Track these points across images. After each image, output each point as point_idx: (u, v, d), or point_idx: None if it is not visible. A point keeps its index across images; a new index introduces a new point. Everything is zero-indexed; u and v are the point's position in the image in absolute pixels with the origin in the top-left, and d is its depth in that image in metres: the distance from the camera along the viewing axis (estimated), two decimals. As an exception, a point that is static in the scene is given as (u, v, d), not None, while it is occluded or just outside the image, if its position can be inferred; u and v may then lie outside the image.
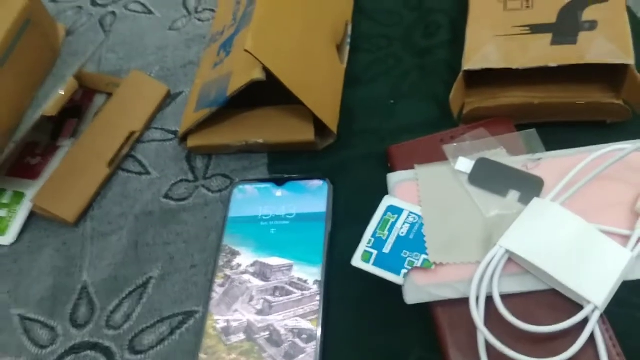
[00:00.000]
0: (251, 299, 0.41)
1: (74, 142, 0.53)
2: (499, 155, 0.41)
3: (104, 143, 0.52)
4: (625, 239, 0.36)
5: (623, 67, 0.41)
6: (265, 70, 0.42)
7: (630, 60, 0.41)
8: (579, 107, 0.43)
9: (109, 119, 0.53)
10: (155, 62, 0.58)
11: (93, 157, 0.51)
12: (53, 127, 0.55)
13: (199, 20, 0.61)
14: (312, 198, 0.45)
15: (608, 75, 0.43)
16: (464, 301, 0.36)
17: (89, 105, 0.56)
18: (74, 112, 0.56)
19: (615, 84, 0.43)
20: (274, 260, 0.42)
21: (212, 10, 0.61)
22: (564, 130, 0.43)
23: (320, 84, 0.47)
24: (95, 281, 0.45)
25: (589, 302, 0.34)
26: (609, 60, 0.41)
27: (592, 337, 0.34)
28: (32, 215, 0.50)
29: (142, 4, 0.64)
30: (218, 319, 0.40)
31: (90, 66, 0.59)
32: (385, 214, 0.40)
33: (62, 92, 0.49)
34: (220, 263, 0.43)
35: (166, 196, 0.49)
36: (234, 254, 0.43)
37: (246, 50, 0.41)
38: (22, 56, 0.53)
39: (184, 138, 0.50)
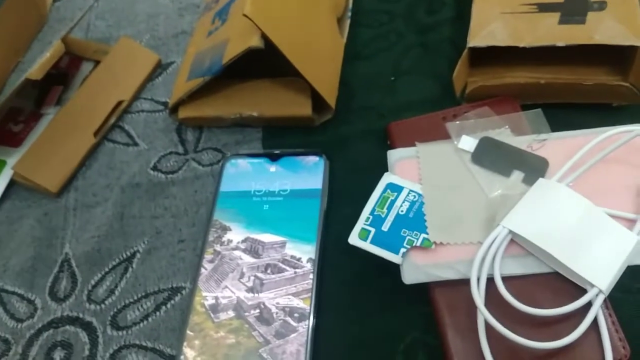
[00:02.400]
0: (242, 275, 0.39)
1: (58, 110, 0.51)
2: (503, 134, 0.40)
3: (90, 112, 0.50)
4: (630, 222, 0.35)
5: (632, 49, 0.40)
6: (264, 37, 0.41)
7: (639, 42, 0.40)
8: (585, 89, 0.42)
9: (96, 87, 0.51)
10: (145, 30, 0.56)
11: (78, 126, 0.49)
12: (37, 93, 0.53)
13: (193, -11, 0.59)
14: (308, 174, 0.44)
15: (616, 56, 0.42)
16: (464, 282, 0.34)
17: (76, 72, 0.54)
18: (60, 79, 0.53)
19: (623, 65, 0.42)
20: (267, 237, 0.41)
21: (207, -20, 0.59)
22: (569, 112, 0.42)
23: (319, 56, 0.46)
24: (77, 254, 0.43)
25: (592, 286, 0.33)
26: (617, 42, 0.40)
27: (594, 321, 0.33)
28: (12, 184, 0.48)
29: (134, -29, 0.62)
30: (206, 296, 0.39)
31: (78, 33, 0.57)
32: (384, 191, 0.39)
33: (47, 55, 0.47)
34: (210, 238, 0.41)
35: (154, 168, 0.47)
36: (225, 229, 0.42)
37: (245, 15, 0.39)
38: (7, 21, 0.50)
39: (174, 109, 0.48)
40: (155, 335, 0.39)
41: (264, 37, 0.41)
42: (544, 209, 0.35)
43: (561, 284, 0.34)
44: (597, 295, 0.33)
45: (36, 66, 0.47)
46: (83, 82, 0.52)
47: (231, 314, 0.38)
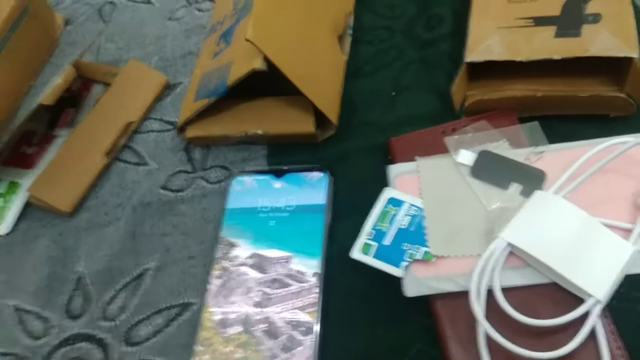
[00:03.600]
0: (249, 291, 0.40)
1: (70, 132, 0.52)
2: (501, 147, 0.41)
3: (101, 133, 0.51)
4: (627, 232, 0.36)
5: (627, 61, 0.41)
6: (266, 60, 0.42)
7: (634, 54, 0.40)
8: (582, 100, 0.42)
9: (106, 108, 0.52)
10: (154, 52, 0.57)
11: (90, 147, 0.50)
12: (50, 116, 0.54)
13: (199, 10, 0.60)
14: (312, 190, 0.45)
15: (612, 68, 0.42)
16: (464, 294, 0.35)
17: (87, 95, 0.55)
18: (72, 101, 0.55)
19: (619, 77, 0.42)
20: (273, 252, 0.42)
21: (212, 0, 0.60)
22: (566, 124, 0.43)
23: (321, 74, 0.47)
24: (91, 272, 0.45)
25: (590, 296, 0.34)
26: (612, 54, 0.41)
27: (592, 331, 0.33)
28: (27, 205, 0.49)
29: (141, -6, 0.64)
30: (214, 311, 0.40)
31: (88, 56, 0.59)
32: (386, 206, 0.40)
33: (60, 80, 0.49)
34: (218, 255, 0.43)
35: (164, 187, 0.49)
36: (232, 245, 0.43)
37: (247, 40, 0.40)
38: (19, 45, 0.52)
39: (182, 128, 0.50)
40: (166, 350, 0.40)
41: (266, 59, 0.42)
42: (541, 221, 0.36)
43: (560, 294, 0.35)
44: (595, 304, 0.33)
45: (49, 91, 0.49)
46: (94, 104, 0.54)
47: (239, 328, 0.39)
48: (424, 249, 0.38)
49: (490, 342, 0.34)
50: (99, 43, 0.60)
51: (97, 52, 0.60)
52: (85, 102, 0.55)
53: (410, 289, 0.36)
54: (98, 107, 0.53)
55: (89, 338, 0.42)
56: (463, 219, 0.38)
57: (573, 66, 0.42)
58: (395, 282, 0.37)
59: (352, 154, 0.47)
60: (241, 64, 0.44)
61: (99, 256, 0.45)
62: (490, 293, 0.35)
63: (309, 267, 0.41)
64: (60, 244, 0.47)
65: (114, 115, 0.52)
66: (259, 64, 0.42)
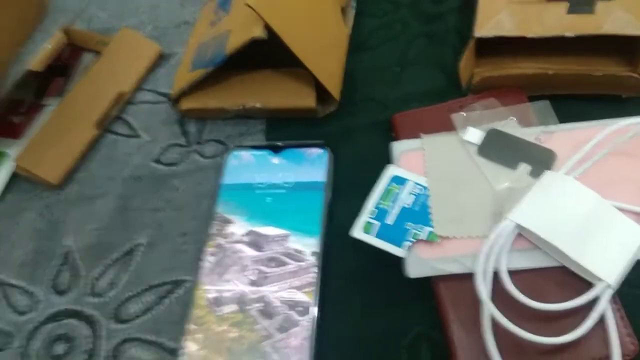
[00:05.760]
0: (244, 269, 0.39)
1: (60, 102, 0.50)
2: (510, 126, 0.39)
3: (91, 103, 0.49)
4: (639, 216, 0.35)
5: (642, 40, 0.40)
6: (267, 28, 0.40)
7: (650, 33, 0.39)
8: (594, 80, 0.41)
9: (97, 78, 0.50)
10: (148, 21, 0.55)
11: (80, 118, 0.48)
12: (38, 85, 0.52)
13: (195, -22, 0.58)
14: (311, 166, 0.43)
15: (625, 47, 0.41)
16: (469, 277, 0.34)
17: (77, 64, 0.53)
18: (61, 70, 0.53)
19: (633, 56, 0.41)
20: (269, 230, 0.40)
21: (210, -30, 0.58)
22: (577, 103, 0.41)
23: (323, 47, 0.45)
24: (79, 246, 0.43)
25: (600, 280, 0.32)
26: (627, 32, 0.39)
27: (602, 316, 0.32)
28: (14, 177, 0.47)
29: (136, -39, 0.61)
30: (209, 289, 0.38)
31: (79, 24, 0.56)
32: (389, 184, 0.38)
33: (49, 46, 0.46)
34: (213, 231, 0.41)
35: (156, 160, 0.47)
36: (227, 222, 0.41)
37: (247, 5, 0.38)
38: (7, 11, 0.50)
39: (177, 100, 0.48)
40: (157, 328, 0.39)
41: (267, 27, 0.40)
42: (551, 202, 0.35)
43: (568, 278, 0.34)
44: (605, 289, 0.32)
45: (37, 57, 0.47)
46: (84, 74, 0.52)
47: (234, 307, 0.37)
48: (429, 229, 0.36)
49: (495, 325, 0.33)
50: (90, 11, 0.58)
51: (89, 20, 0.57)
52: (75, 72, 0.53)
53: (413, 270, 0.35)
54: (89, 76, 0.50)
55: (76, 314, 0.40)
56: (469, 199, 0.37)
57: (585, 44, 0.41)
58: (397, 262, 0.36)
59: (354, 131, 0.45)
60: (240, 32, 0.42)
61: (87, 230, 0.44)
62: (496, 276, 0.34)
63: (307, 245, 0.39)
64: (47, 217, 0.45)
65: (106, 85, 0.50)
66: (259, 32, 0.40)
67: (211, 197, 0.43)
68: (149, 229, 0.43)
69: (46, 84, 0.52)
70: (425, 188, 0.38)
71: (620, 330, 0.32)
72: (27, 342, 0.39)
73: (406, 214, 0.37)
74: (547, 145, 0.38)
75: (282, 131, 0.47)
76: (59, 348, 0.39)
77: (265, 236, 0.40)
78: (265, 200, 0.42)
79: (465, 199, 0.37)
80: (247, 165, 0.44)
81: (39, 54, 0.46)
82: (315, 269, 0.38)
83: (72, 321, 0.40)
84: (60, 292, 0.41)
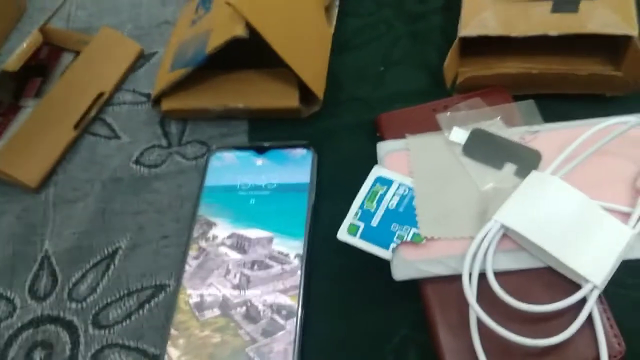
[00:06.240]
0: (227, 272, 0.38)
1: (38, 103, 0.49)
2: (495, 126, 0.39)
3: (70, 104, 0.48)
4: (625, 216, 0.34)
5: (625, 39, 0.39)
6: (249, 27, 0.39)
7: (633, 32, 0.39)
8: (578, 79, 0.41)
9: (76, 78, 0.49)
10: (128, 20, 0.54)
11: (58, 119, 0.47)
12: (16, 86, 0.51)
13: (177, -23, 0.57)
14: (295, 167, 0.42)
15: (609, 46, 0.41)
16: (455, 278, 0.34)
17: (56, 64, 0.52)
18: (39, 70, 0.52)
19: (616, 55, 0.41)
20: (253, 232, 0.40)
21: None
22: (562, 103, 0.41)
23: (306, 46, 0.44)
24: (57, 250, 0.42)
25: (587, 281, 0.32)
26: (611, 31, 0.39)
27: (589, 317, 0.32)
28: (-10, 179, 0.46)
29: (116, -41, 0.60)
30: (191, 293, 0.38)
31: (58, 23, 0.55)
32: (374, 185, 0.38)
33: (24, 46, 0.45)
34: (195, 234, 0.40)
35: (137, 162, 0.46)
36: (210, 224, 0.40)
37: (228, 3, 0.38)
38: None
39: (157, 100, 0.47)
40: (138, 334, 0.38)
41: (249, 26, 0.39)
42: (537, 202, 0.34)
43: (555, 279, 0.33)
44: (591, 290, 0.32)
45: (13, 57, 0.46)
46: (63, 74, 0.50)
47: (217, 312, 0.37)
48: (414, 230, 0.36)
49: (482, 327, 0.32)
50: (69, 9, 0.57)
51: (68, 19, 0.56)
52: (54, 72, 0.52)
53: (399, 272, 0.35)
54: (67, 76, 0.49)
55: (55, 320, 0.39)
56: (455, 199, 0.37)
57: (570, 43, 0.40)
58: (382, 265, 0.35)
59: (339, 131, 0.45)
60: (221, 31, 0.41)
61: (66, 234, 0.43)
62: (482, 277, 0.33)
63: (292, 248, 0.39)
64: (25, 221, 0.44)
65: (85, 85, 0.49)
66: (240, 31, 0.39)
67: (193, 200, 0.42)
68: (130, 232, 0.42)
69: (24, 84, 0.51)
70: (410, 189, 0.38)
71: (607, 331, 0.32)
72: (4, 349, 0.38)
73: (391, 215, 0.37)
74: (532, 145, 0.38)
75: (266, 132, 0.46)
76: (38, 355, 0.38)
77: (249, 239, 0.39)
78: (249, 202, 0.41)
79: (451, 200, 0.37)
80: (230, 167, 0.43)
81: (13, 54, 0.45)
82: (300, 272, 0.38)
83: (51, 327, 0.39)
84: (39, 298, 0.40)
